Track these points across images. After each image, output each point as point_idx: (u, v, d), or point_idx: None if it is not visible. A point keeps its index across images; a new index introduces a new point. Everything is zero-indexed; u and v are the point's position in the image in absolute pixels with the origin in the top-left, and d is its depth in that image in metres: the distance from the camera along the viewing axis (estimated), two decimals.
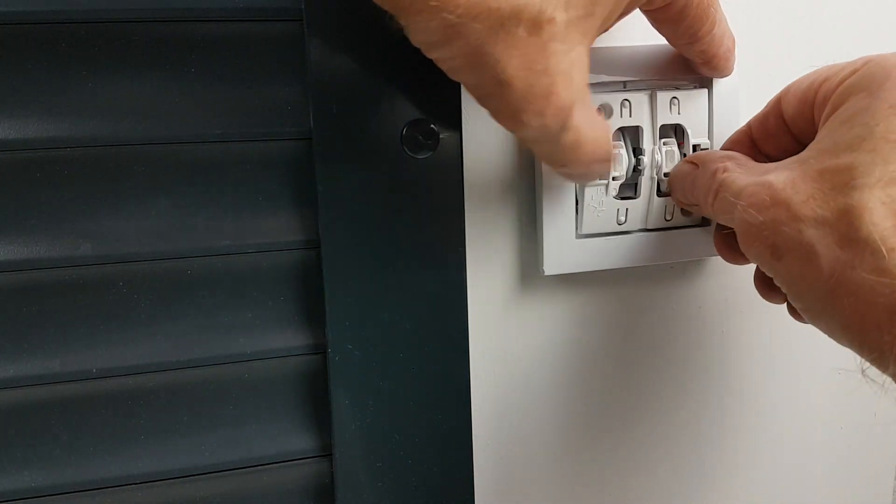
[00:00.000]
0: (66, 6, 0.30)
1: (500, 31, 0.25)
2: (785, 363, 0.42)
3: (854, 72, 0.28)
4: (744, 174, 0.30)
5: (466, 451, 0.37)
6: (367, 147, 0.33)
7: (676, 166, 0.35)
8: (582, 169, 0.30)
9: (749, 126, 0.34)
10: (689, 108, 0.36)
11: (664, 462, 0.42)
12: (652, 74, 0.35)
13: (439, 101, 0.33)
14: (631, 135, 0.35)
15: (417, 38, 0.26)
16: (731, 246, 0.35)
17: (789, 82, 0.39)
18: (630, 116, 0.35)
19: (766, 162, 0.32)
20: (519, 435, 0.39)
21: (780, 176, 0.28)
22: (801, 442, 0.43)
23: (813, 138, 0.29)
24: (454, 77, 0.28)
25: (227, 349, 0.34)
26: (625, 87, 0.35)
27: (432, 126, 0.33)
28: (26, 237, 0.31)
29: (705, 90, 0.36)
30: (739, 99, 0.36)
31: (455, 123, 0.33)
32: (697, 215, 0.36)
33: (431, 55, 0.27)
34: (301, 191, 0.34)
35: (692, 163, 0.33)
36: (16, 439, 0.33)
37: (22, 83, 0.30)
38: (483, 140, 0.36)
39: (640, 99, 0.35)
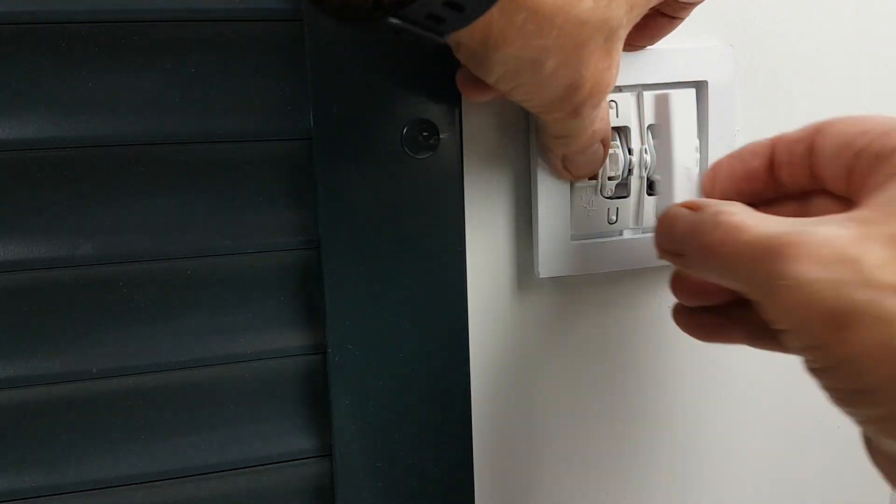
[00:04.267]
0: (66, 6, 0.30)
1: (589, 42, 0.26)
2: (781, 362, 0.42)
3: None
4: (762, 220, 0.26)
5: (466, 451, 0.37)
6: (367, 147, 0.33)
7: (668, 208, 0.29)
8: None
9: (773, 143, 0.31)
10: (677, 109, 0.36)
11: (662, 461, 0.42)
12: (640, 76, 0.35)
13: (439, 101, 0.33)
14: (626, 135, 0.36)
15: (497, 71, 0.27)
16: None
17: (785, 81, 0.39)
18: (617, 117, 0.35)
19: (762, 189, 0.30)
20: (518, 435, 0.39)
21: (835, 231, 0.24)
22: (798, 441, 0.44)
23: (837, 184, 0.27)
24: (518, 99, 0.29)
25: (227, 349, 0.34)
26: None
27: (432, 126, 0.33)
28: (26, 237, 0.31)
29: (693, 90, 0.36)
30: (735, 98, 0.36)
31: (455, 124, 0.34)
32: (680, 268, 0.30)
33: (502, 86, 0.28)
34: (301, 191, 0.34)
35: (690, 207, 0.28)
36: (16, 439, 0.33)
37: (22, 83, 0.30)
38: (481, 141, 0.36)
39: (626, 99, 0.35)
